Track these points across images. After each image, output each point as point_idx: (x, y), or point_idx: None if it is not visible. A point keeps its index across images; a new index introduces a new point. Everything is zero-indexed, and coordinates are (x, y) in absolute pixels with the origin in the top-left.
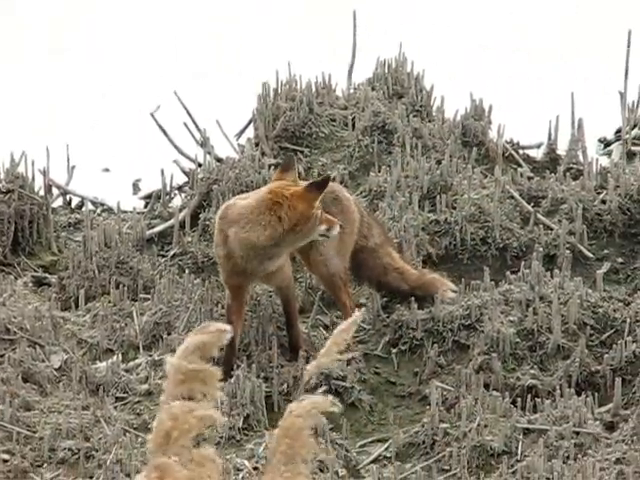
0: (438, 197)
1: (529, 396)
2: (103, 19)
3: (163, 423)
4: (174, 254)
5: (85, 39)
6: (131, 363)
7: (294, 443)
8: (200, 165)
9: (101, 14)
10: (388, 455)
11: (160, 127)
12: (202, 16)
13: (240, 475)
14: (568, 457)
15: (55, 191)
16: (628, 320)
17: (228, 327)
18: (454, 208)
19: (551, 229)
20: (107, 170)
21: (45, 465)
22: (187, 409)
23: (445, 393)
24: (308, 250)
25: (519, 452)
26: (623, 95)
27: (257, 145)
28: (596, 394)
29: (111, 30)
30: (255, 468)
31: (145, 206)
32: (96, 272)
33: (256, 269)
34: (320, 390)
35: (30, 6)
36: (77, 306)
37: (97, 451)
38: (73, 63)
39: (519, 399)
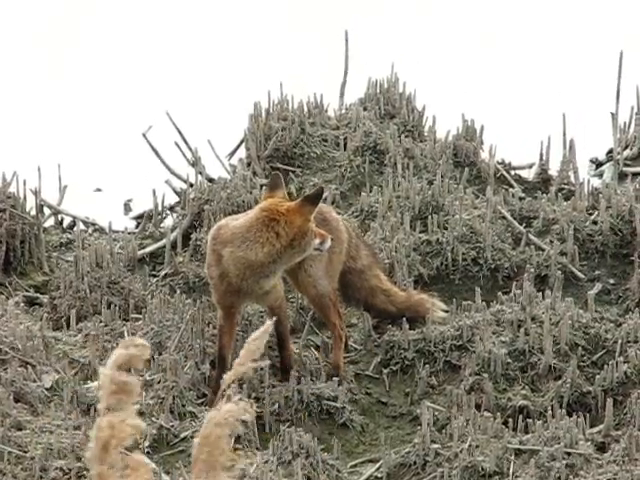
0: (430, 217)
1: (520, 417)
2: (95, 40)
3: (102, 431)
4: (165, 274)
5: (77, 59)
6: None
7: (213, 451)
8: (192, 185)
9: (93, 35)
10: (379, 476)
11: (152, 147)
12: (193, 36)
13: None
14: (559, 478)
15: (47, 211)
16: (619, 341)
17: (146, 344)
18: (445, 228)
19: (543, 250)
20: (99, 190)
21: None
22: (122, 418)
23: (436, 413)
24: (297, 270)
25: (510, 473)
26: (615, 116)
27: (249, 165)
28: (587, 415)
29: (103, 50)
30: None
31: (137, 226)
32: (87, 292)
33: (251, 288)
34: (236, 397)
35: (24, 25)
36: (68, 326)
37: (88, 471)
38: (65, 83)
39: (510, 420)
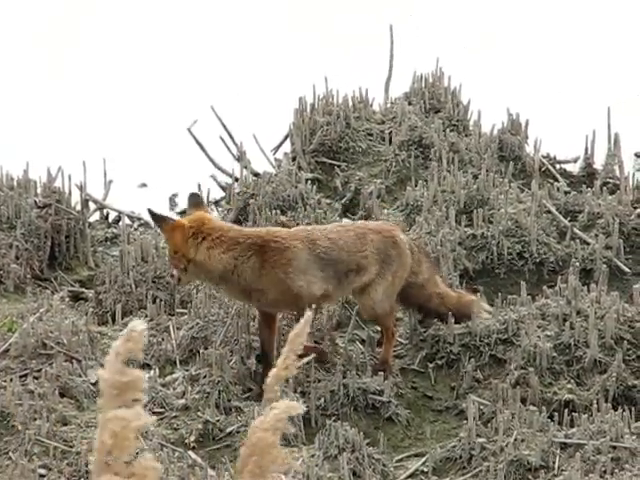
0: (475, 212)
1: (566, 411)
2: (140, 35)
3: (104, 443)
4: None
5: (122, 53)
6: (168, 378)
7: (263, 459)
8: (237, 180)
9: (139, 30)
10: (425, 470)
11: (197, 142)
12: (240, 31)
13: None
14: (605, 472)
15: (92, 206)
16: None
17: (143, 326)
18: (491, 223)
19: (588, 243)
20: (144, 185)
21: None
22: (124, 424)
23: (482, 407)
24: (360, 294)
25: (556, 467)
26: None
27: (294, 159)
28: (633, 408)
29: (149, 45)
30: None
31: None
32: (133, 287)
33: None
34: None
35: (69, 19)
36: (114, 321)
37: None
38: (112, 77)
39: (556, 414)
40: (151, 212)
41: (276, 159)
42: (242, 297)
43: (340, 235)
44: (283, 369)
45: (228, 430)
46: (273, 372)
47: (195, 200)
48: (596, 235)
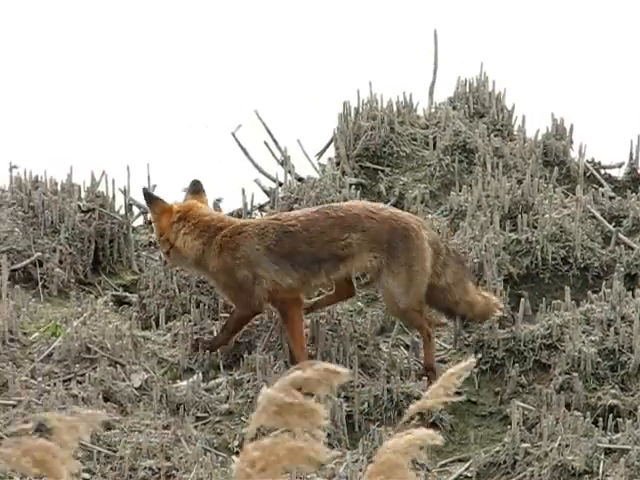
0: (519, 217)
1: (610, 416)
2: (185, 39)
3: (248, 453)
4: None
5: (165, 58)
6: (212, 382)
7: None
8: (281, 184)
9: (181, 35)
10: (469, 475)
11: (241, 146)
12: (285, 35)
13: None
14: None
15: (136, 210)
16: None
17: (341, 369)
18: (535, 227)
19: (632, 248)
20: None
21: None
22: (277, 440)
23: (526, 413)
24: (377, 288)
25: (600, 472)
26: None
27: (338, 164)
28: None
29: (192, 50)
30: None
31: None
32: (177, 291)
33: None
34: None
35: (116, 25)
36: (158, 325)
37: (178, 470)
38: (157, 81)
39: (600, 419)
40: (145, 192)
41: (320, 164)
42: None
43: (311, 224)
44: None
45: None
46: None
47: (195, 187)
48: None
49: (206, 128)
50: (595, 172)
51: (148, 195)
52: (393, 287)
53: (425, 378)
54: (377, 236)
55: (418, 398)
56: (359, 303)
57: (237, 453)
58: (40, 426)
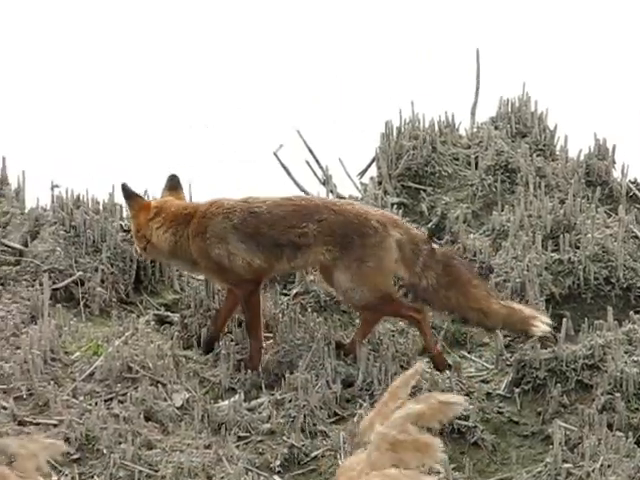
0: (561, 236)
1: None
2: (224, 61)
3: None
4: (296, 293)
5: (207, 79)
6: (253, 402)
7: None
8: None
9: (222, 55)
10: None
11: (282, 165)
12: (327, 54)
13: None
14: None
15: None
16: None
17: (459, 399)
18: (577, 248)
19: None
20: None
21: None
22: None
23: (568, 433)
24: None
25: None
26: None
27: (380, 184)
28: None
29: (234, 69)
30: None
31: None
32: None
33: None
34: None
35: (121, 26)
36: (199, 345)
37: None
38: (196, 99)
39: None
40: (125, 187)
41: (362, 183)
42: (194, 272)
43: (275, 207)
44: (377, 416)
45: (313, 454)
46: (368, 418)
47: (172, 182)
48: None
49: (206, 128)
50: (638, 192)
51: (126, 191)
52: (344, 282)
53: (464, 395)
54: (332, 229)
55: (460, 418)
56: (401, 323)
57: (279, 472)
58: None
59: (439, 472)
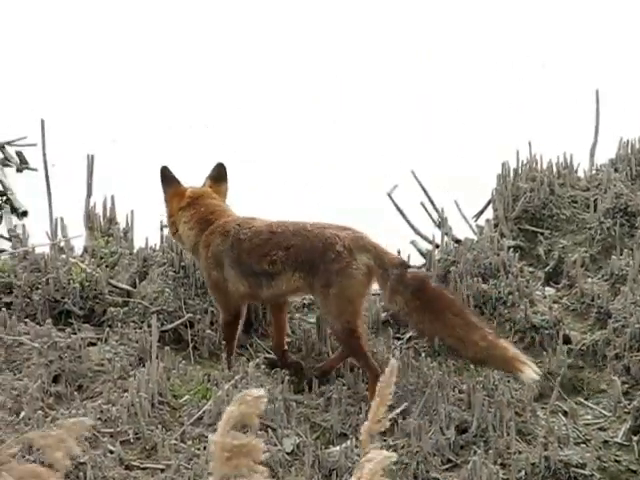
0: None
1: None
2: (225, 61)
3: None
4: (410, 337)
5: (208, 79)
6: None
7: None
8: (437, 246)
9: (222, 55)
10: None
11: (397, 207)
12: (441, 99)
13: None
14: None
15: None
16: None
17: (262, 392)
18: None
19: None
20: None
21: None
22: None
23: None
24: None
25: None
26: None
27: (496, 226)
28: None
29: (233, 69)
30: None
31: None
32: (330, 354)
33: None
34: None
35: (127, 26)
36: (310, 389)
37: None
38: (197, 101)
39: None
40: (164, 170)
41: (478, 225)
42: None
43: (255, 235)
44: (375, 423)
45: None
46: (366, 426)
47: (216, 172)
48: None
49: (206, 128)
50: None
51: (164, 173)
52: (322, 312)
53: (582, 447)
54: (299, 255)
55: (577, 466)
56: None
57: None
58: None
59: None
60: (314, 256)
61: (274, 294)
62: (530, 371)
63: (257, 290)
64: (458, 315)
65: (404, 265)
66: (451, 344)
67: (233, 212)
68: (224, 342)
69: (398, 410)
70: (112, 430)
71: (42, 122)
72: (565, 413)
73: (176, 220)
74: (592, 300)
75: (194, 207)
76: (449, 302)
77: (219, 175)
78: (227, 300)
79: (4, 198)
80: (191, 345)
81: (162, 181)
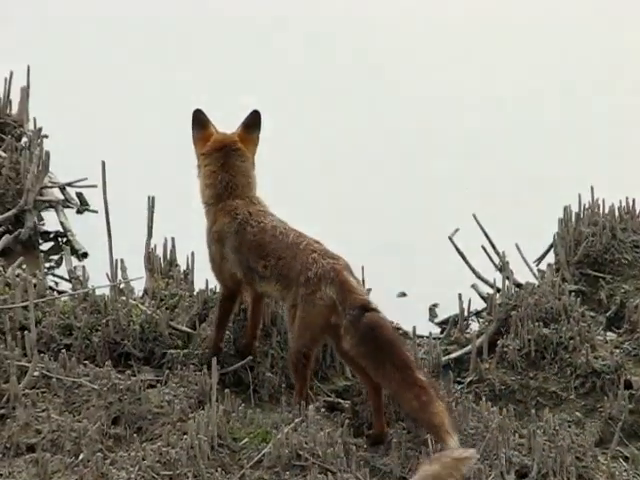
0: None
1: None
2: (225, 61)
3: None
4: (471, 381)
5: (208, 79)
6: None
7: None
8: (499, 290)
9: (223, 55)
10: None
11: (458, 250)
12: (496, 138)
13: None
14: None
15: None
16: None
17: (470, 452)
18: None
19: None
20: (403, 294)
21: None
22: None
23: None
24: None
25: None
26: None
27: (557, 271)
28: None
29: (235, 69)
30: None
31: (441, 331)
32: (390, 399)
33: None
34: None
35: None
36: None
37: None
38: (197, 101)
39: None
40: (196, 112)
41: (539, 270)
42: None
43: (259, 232)
44: None
45: None
46: None
47: (249, 119)
48: None
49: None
50: None
51: (196, 115)
52: (287, 327)
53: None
54: (283, 269)
55: None
56: (577, 413)
57: None
58: None
59: None
60: (292, 275)
61: (264, 292)
62: (453, 442)
63: (251, 282)
64: (399, 369)
65: (365, 308)
66: (390, 395)
67: (253, 188)
68: (216, 322)
69: None
70: (171, 473)
71: (103, 163)
72: (626, 458)
73: (198, 162)
74: None
75: (211, 159)
76: (395, 354)
77: (252, 122)
78: (224, 278)
79: (64, 239)
80: (251, 388)
81: (192, 121)
